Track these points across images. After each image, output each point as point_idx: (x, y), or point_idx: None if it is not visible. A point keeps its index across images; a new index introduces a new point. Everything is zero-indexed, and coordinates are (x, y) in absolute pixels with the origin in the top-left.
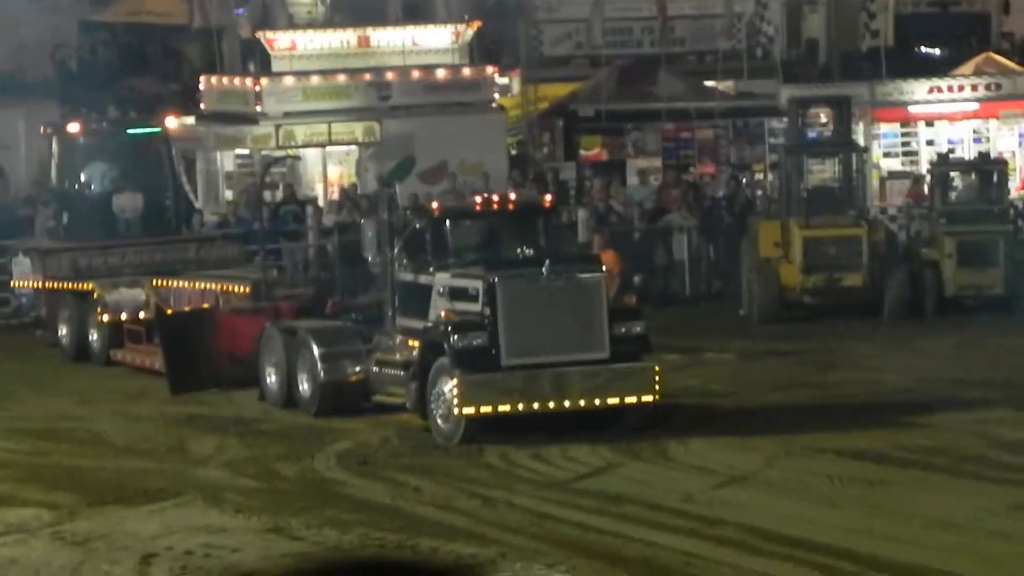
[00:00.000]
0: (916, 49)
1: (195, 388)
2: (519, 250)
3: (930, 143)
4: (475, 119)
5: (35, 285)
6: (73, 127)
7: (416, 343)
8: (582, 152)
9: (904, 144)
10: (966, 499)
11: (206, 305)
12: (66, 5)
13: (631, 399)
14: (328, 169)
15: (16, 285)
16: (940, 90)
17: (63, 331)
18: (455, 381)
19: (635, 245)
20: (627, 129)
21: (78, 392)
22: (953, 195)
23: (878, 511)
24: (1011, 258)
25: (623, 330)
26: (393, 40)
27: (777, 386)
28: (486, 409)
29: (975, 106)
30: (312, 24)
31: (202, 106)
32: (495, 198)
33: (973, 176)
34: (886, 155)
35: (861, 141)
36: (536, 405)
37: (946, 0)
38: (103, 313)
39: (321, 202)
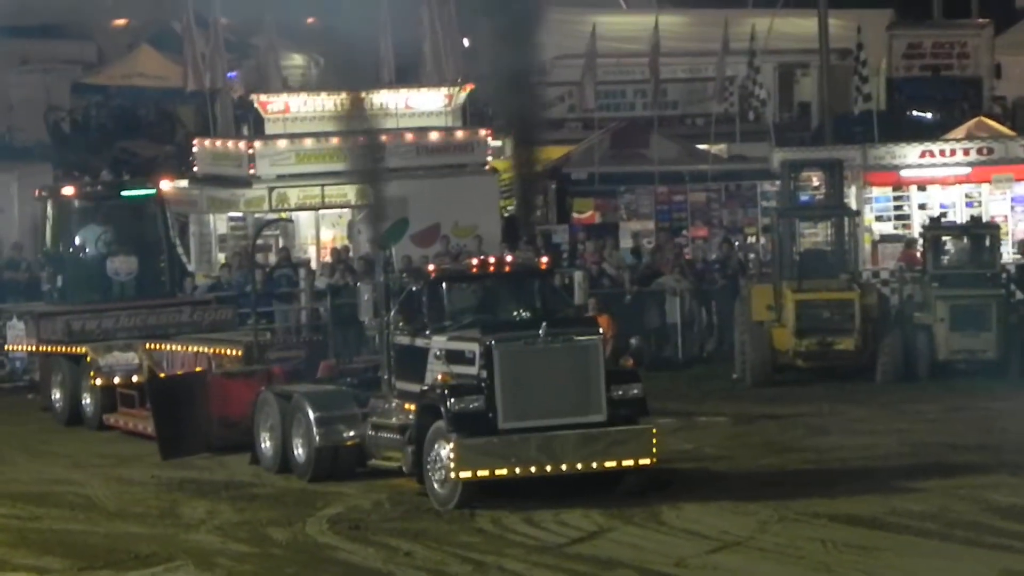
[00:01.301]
0: (908, 113)
1: (186, 453)
2: (515, 312)
3: (922, 207)
4: (468, 181)
5: (29, 348)
6: (68, 190)
7: (412, 407)
8: (575, 214)
9: (896, 208)
10: (959, 564)
11: (198, 368)
12: (59, 68)
13: (629, 462)
14: (321, 232)
15: (10, 349)
16: (932, 154)
17: (56, 395)
18: (452, 445)
19: (627, 308)
20: (620, 192)
21: (69, 456)
22: (945, 259)
23: None
24: (1003, 322)
25: (620, 393)
26: (386, 103)
27: (770, 450)
28: (483, 473)
29: (967, 170)
30: (305, 87)
31: (195, 169)
32: (491, 260)
33: (965, 240)
34: (878, 218)
35: (853, 204)
36: (534, 469)
37: (938, 64)
38: (96, 377)
39: (314, 265)
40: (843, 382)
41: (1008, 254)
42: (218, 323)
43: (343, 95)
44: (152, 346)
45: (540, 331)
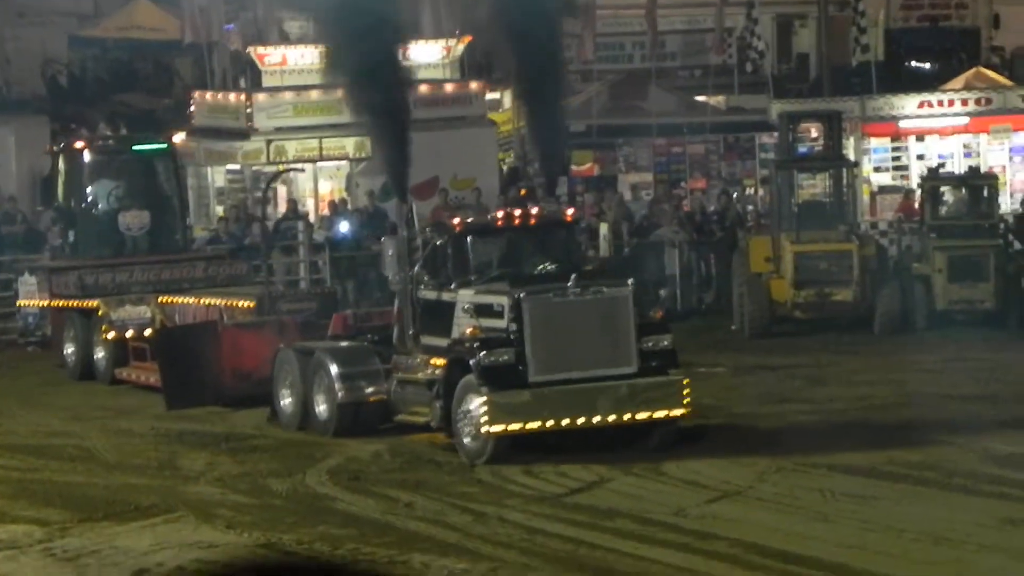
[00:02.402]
0: (906, 64)
1: (192, 404)
2: (542, 265)
3: (920, 157)
4: (466, 134)
5: (41, 303)
6: (79, 144)
7: (439, 361)
8: (573, 167)
9: (894, 159)
10: (957, 514)
11: (205, 320)
12: (55, 21)
13: (661, 414)
14: (319, 184)
15: (22, 304)
16: (930, 104)
17: (69, 349)
18: (483, 399)
19: (626, 260)
20: (618, 144)
21: (69, 408)
22: (943, 210)
23: (870, 526)
24: (1001, 273)
25: (651, 344)
26: None
27: (768, 401)
28: (515, 427)
29: (965, 120)
30: (303, 39)
31: (193, 121)
32: (516, 213)
33: (963, 191)
34: (876, 170)
35: (851, 156)
36: (566, 422)
37: (936, 15)
38: (108, 330)
39: (312, 217)
40: (841, 333)
41: (1006, 204)
42: (233, 278)
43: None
44: (164, 300)
45: (570, 283)
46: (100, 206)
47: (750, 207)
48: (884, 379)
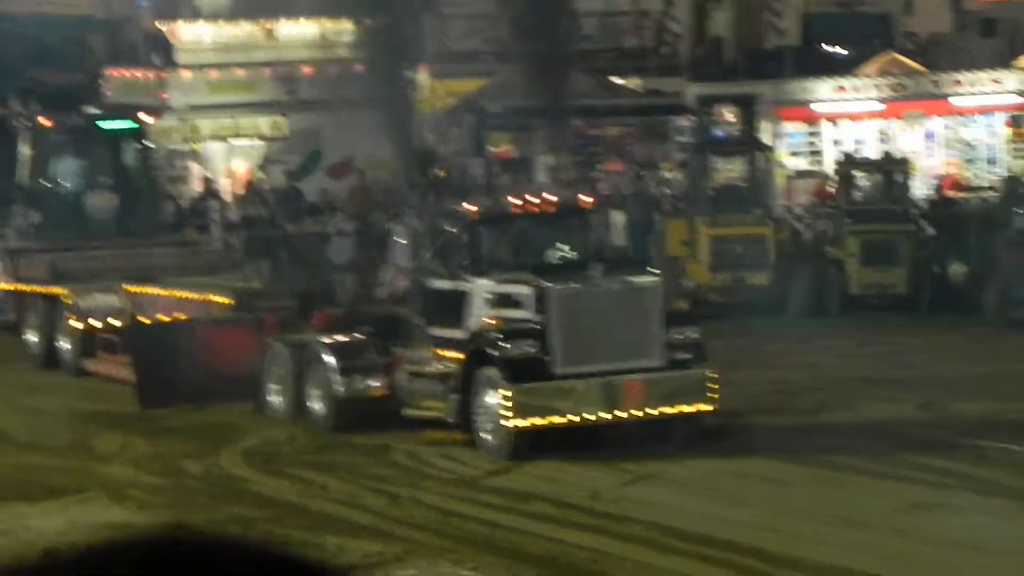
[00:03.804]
0: (821, 48)
1: (168, 403)
2: (560, 254)
3: (836, 142)
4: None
5: (3, 287)
6: (44, 121)
7: (452, 353)
8: (490, 148)
9: (809, 143)
10: (869, 498)
11: (182, 316)
12: None
13: (688, 408)
14: (233, 163)
15: None
16: (845, 89)
17: (33, 337)
18: (507, 392)
19: None
20: (535, 126)
21: None
22: (858, 194)
23: (784, 509)
24: (914, 257)
25: (679, 336)
26: (300, 33)
27: None
28: (539, 421)
29: (879, 105)
30: (216, 16)
31: (107, 97)
32: (534, 200)
33: (878, 176)
34: (792, 154)
35: (767, 140)
36: (593, 417)
37: (851, 0)
38: (74, 319)
39: (227, 196)
40: (756, 317)
41: (919, 189)
42: (210, 266)
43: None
44: (135, 289)
45: (596, 273)
46: (65, 186)
47: (666, 190)
48: (798, 363)
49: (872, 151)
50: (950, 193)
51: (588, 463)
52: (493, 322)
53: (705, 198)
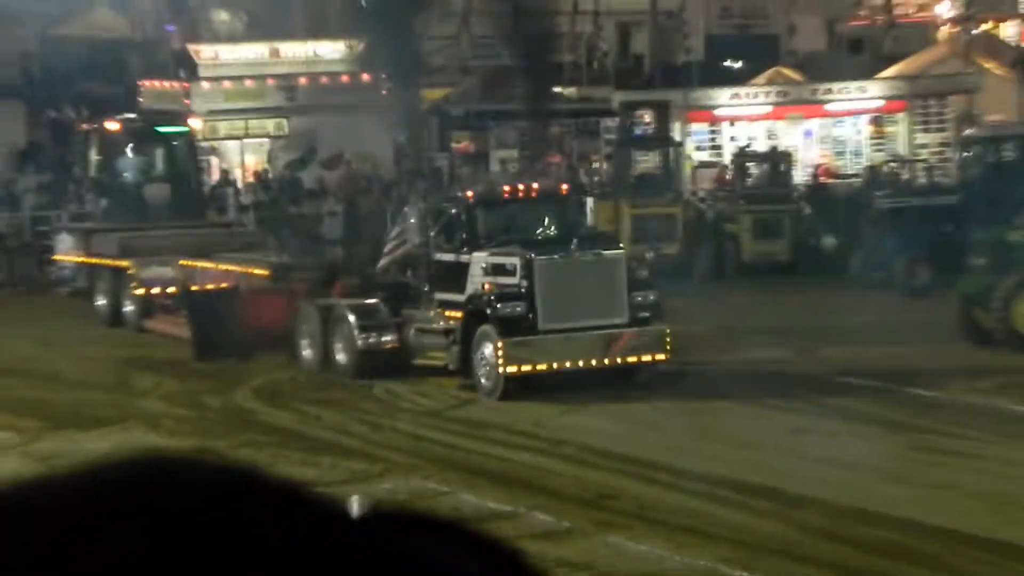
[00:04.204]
0: (721, 63)
1: (217, 356)
2: (542, 230)
3: (732, 139)
4: (365, 117)
5: (78, 260)
6: (112, 125)
7: (456, 313)
8: (453, 144)
9: (711, 140)
10: (759, 424)
11: (227, 285)
12: (29, 22)
13: (647, 358)
14: (245, 157)
15: (58, 258)
16: (740, 96)
17: (101, 301)
18: (499, 344)
19: None
20: (490, 126)
21: (40, 337)
22: (749, 181)
23: (689, 433)
24: (794, 232)
25: (640, 299)
26: (299, 52)
27: None
28: (526, 368)
29: (768, 109)
30: (232, 38)
31: (141, 105)
32: (520, 187)
33: (766, 166)
34: (697, 148)
35: (677, 137)
36: (568, 364)
37: (746, 23)
38: (138, 287)
39: (240, 185)
40: (667, 280)
41: (799, 176)
42: (247, 245)
43: (263, 44)
44: (188, 263)
45: (573, 246)
46: (128, 179)
47: (596, 178)
48: (702, 316)
49: (761, 146)
50: (824, 179)
51: (534, 399)
52: (488, 287)
53: (628, 184)
